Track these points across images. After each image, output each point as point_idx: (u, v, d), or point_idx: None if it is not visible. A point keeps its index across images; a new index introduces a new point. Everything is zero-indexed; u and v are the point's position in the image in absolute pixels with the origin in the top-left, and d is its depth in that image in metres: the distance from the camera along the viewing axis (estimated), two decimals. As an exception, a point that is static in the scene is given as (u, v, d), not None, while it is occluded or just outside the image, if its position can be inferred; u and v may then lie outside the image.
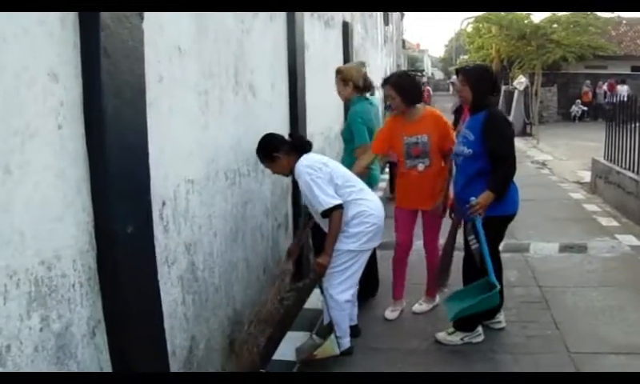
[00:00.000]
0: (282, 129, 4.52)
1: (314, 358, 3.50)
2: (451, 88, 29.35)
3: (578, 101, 22.13)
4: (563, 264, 5.18)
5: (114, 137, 2.08)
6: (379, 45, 13.93)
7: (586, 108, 22.14)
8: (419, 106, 4.05)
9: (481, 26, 22.43)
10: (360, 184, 3.65)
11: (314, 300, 4.40)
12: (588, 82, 22.46)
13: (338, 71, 4.51)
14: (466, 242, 3.60)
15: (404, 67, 27.58)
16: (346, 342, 3.65)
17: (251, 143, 3.84)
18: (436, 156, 4.01)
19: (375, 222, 3.53)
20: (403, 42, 29.06)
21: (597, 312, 4.07)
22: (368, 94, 4.55)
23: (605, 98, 20.55)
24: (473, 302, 3.43)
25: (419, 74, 37.96)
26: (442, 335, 3.74)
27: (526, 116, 17.62)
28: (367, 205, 3.54)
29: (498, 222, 3.58)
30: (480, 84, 3.58)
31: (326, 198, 3.38)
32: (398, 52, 23.88)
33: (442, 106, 24.64)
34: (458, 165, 3.72)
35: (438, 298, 4.31)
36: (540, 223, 6.74)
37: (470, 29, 24.33)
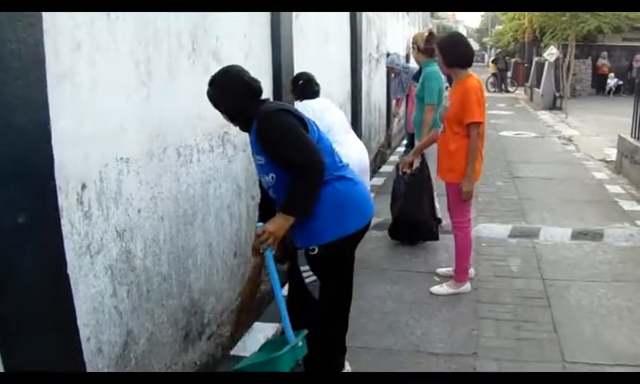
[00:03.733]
0: None
1: None
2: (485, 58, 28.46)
3: (612, 74, 21.04)
4: (574, 253, 4.72)
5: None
6: (399, 13, 13.26)
7: (621, 82, 21.02)
8: (462, 71, 3.85)
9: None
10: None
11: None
12: (605, 53, 21.28)
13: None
14: (297, 273, 2.74)
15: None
16: None
17: (216, 116, 3.47)
18: (450, 126, 3.84)
19: None
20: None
21: (603, 312, 3.63)
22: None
23: (642, 70, 19.43)
24: (257, 360, 2.66)
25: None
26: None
27: (556, 89, 16.79)
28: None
29: (339, 246, 2.59)
30: (228, 97, 2.76)
31: None
32: (425, 21, 22.92)
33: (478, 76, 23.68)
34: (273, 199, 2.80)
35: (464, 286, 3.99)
36: (556, 205, 6.26)
37: None
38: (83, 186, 2.29)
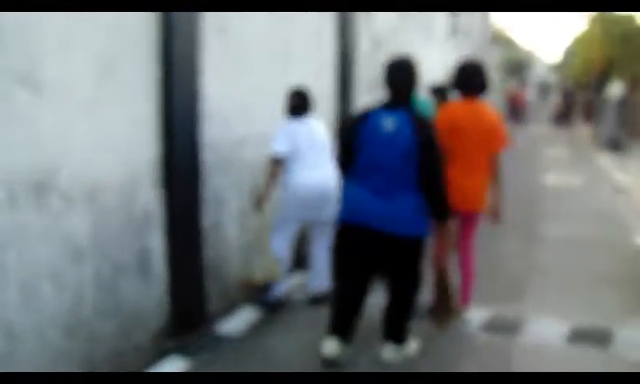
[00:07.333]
0: (138, 136, 3.30)
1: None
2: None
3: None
4: (561, 365, 3.44)
5: None
6: (437, 37, 12.09)
7: None
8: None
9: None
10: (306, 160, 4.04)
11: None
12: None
13: None
14: None
15: (494, 66, 24.77)
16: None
17: (27, 157, 2.59)
18: None
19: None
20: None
21: None
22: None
23: None
24: None
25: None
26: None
27: (621, 128, 14.96)
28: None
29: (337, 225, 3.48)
30: None
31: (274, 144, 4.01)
32: (482, 46, 21.39)
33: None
34: None
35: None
36: (569, 282, 4.97)
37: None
38: None
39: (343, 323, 3.36)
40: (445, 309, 3.87)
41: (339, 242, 3.42)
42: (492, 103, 11.94)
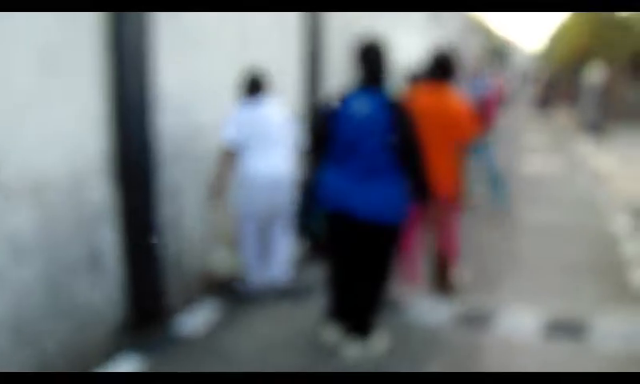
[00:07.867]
0: (87, 129, 3.11)
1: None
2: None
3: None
4: (533, 362, 3.32)
5: None
6: (413, 24, 11.88)
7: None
8: None
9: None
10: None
11: None
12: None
13: None
14: None
15: (474, 54, 24.55)
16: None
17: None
18: None
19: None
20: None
21: None
22: None
23: None
24: None
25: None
26: None
27: (601, 113, 14.91)
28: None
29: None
30: None
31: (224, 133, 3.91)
32: (461, 33, 21.19)
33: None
34: None
35: None
36: (543, 270, 4.86)
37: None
38: None
39: (342, 308, 3.38)
40: (443, 281, 4.20)
41: (327, 231, 3.35)
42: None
